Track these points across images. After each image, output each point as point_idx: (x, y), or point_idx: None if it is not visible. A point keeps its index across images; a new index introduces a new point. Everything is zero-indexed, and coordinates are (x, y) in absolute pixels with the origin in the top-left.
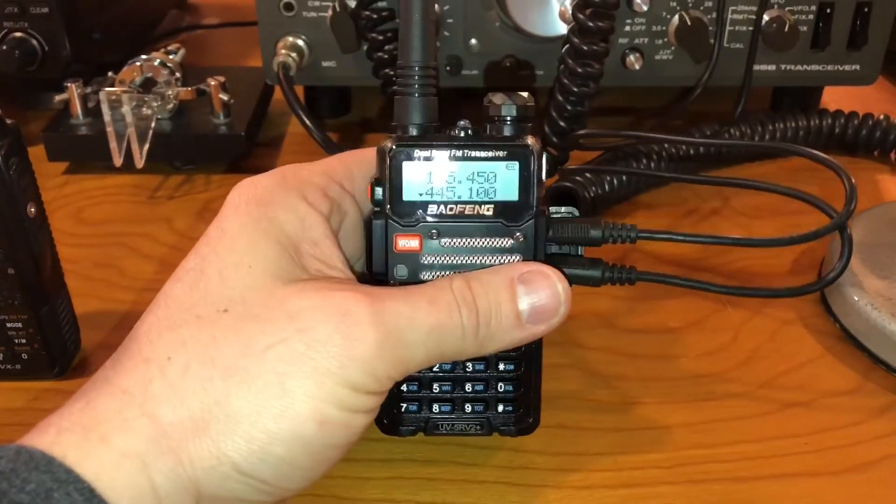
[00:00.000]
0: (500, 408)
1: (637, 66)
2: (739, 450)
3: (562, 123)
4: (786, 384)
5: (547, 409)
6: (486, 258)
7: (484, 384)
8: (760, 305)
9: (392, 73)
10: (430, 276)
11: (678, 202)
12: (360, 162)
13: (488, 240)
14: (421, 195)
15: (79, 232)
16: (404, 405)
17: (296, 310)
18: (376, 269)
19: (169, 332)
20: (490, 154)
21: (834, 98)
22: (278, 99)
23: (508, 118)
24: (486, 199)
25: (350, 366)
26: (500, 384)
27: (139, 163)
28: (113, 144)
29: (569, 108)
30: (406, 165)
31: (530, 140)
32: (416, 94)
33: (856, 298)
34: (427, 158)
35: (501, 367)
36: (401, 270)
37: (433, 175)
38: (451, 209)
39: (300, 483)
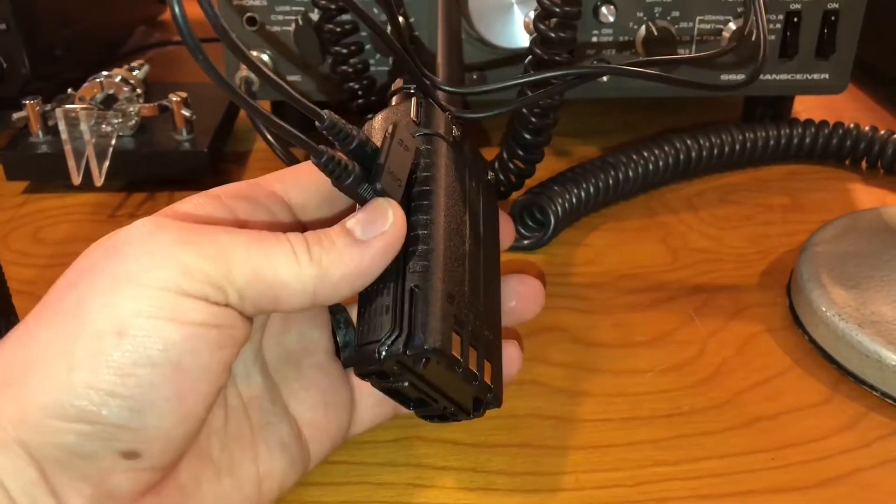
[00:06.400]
0: None
1: (605, 77)
2: (704, 466)
3: (526, 136)
4: (753, 398)
5: (509, 428)
6: None
7: None
8: (728, 318)
9: (356, 86)
10: None
11: (646, 213)
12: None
13: None
14: None
15: (36, 252)
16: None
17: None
18: None
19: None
20: None
21: (806, 107)
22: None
23: None
24: None
25: (158, 268)
26: None
27: (98, 181)
28: (71, 163)
29: (533, 119)
30: None
31: None
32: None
33: (823, 309)
34: None
35: None
36: None
37: None
38: None
39: (167, 420)
